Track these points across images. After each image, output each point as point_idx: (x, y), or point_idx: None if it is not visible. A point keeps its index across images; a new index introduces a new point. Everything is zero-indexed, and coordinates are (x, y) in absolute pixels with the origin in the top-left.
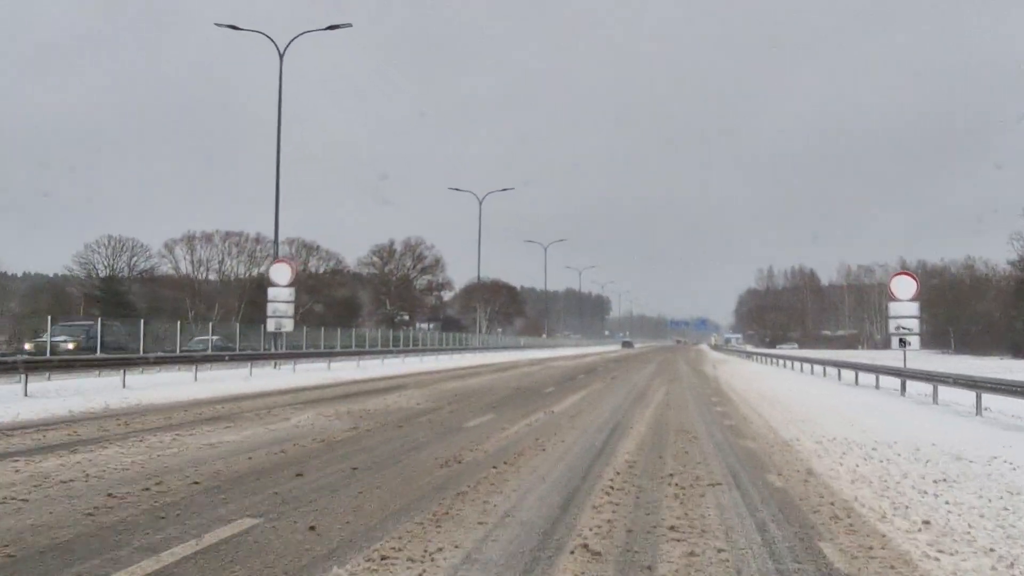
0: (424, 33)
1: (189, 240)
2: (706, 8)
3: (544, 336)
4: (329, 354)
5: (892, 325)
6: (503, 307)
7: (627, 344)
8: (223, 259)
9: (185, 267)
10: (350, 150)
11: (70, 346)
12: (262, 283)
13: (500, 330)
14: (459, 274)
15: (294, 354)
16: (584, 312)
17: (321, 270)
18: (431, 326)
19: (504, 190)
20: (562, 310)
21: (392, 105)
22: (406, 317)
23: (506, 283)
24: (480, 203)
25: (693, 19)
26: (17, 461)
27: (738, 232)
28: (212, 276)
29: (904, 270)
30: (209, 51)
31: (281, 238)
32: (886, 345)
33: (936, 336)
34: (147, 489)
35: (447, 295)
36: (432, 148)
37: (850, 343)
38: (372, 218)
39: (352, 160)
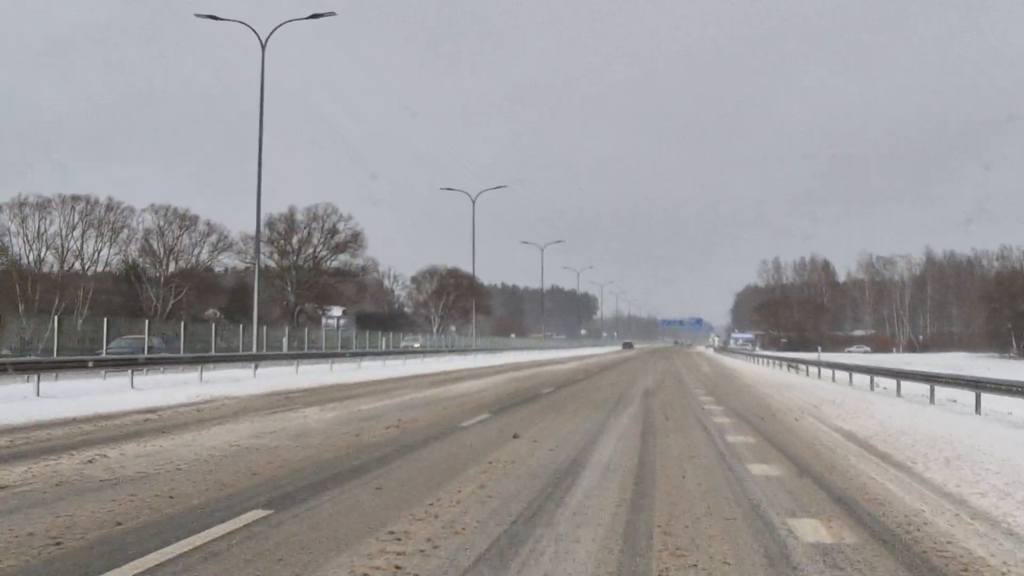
0: (419, 30)
1: (18, 207)
2: (706, 7)
3: (488, 338)
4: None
5: None
6: (459, 301)
7: (628, 345)
8: (66, 234)
9: (13, 244)
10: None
11: None
12: (134, 269)
13: (454, 328)
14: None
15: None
16: (567, 310)
17: (197, 251)
18: (343, 322)
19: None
20: (546, 309)
21: (384, 104)
22: (336, 313)
23: (467, 273)
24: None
25: (693, 17)
26: None
27: (733, 229)
28: (52, 257)
29: None
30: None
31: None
32: (927, 346)
33: (995, 337)
34: None
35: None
36: (424, 148)
37: (880, 344)
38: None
39: (344, 160)
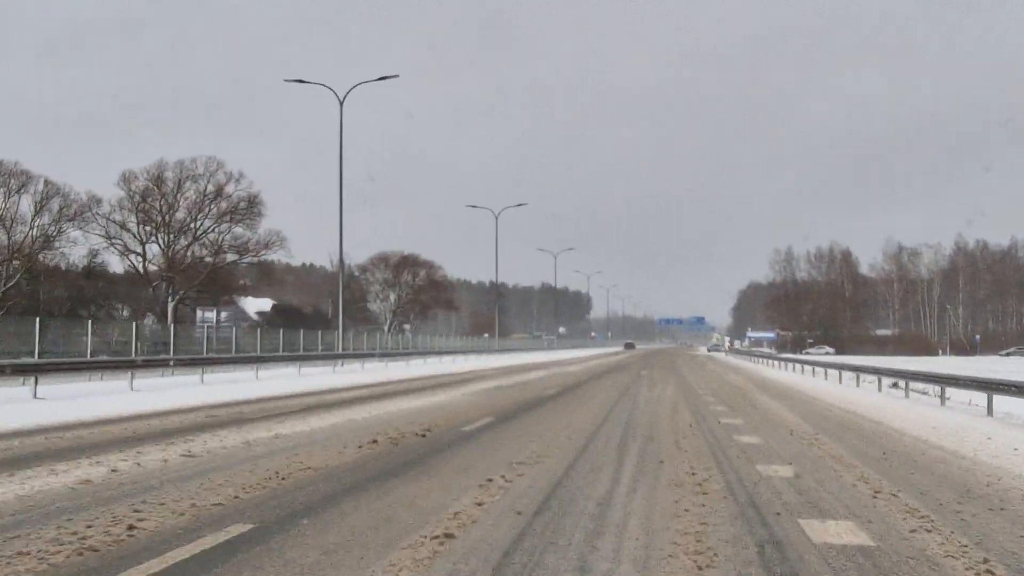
0: (417, 31)
1: None
2: (708, 7)
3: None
4: None
5: None
6: (418, 295)
7: (629, 345)
8: None
9: None
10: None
11: None
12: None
13: (407, 327)
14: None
15: None
16: (560, 310)
17: (38, 222)
18: (224, 317)
19: (382, 78)
20: (536, 307)
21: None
22: (265, 307)
23: (429, 260)
24: None
25: (693, 17)
26: None
27: (732, 226)
28: None
29: None
30: None
31: None
32: (993, 348)
33: None
34: None
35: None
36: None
37: (917, 345)
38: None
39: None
